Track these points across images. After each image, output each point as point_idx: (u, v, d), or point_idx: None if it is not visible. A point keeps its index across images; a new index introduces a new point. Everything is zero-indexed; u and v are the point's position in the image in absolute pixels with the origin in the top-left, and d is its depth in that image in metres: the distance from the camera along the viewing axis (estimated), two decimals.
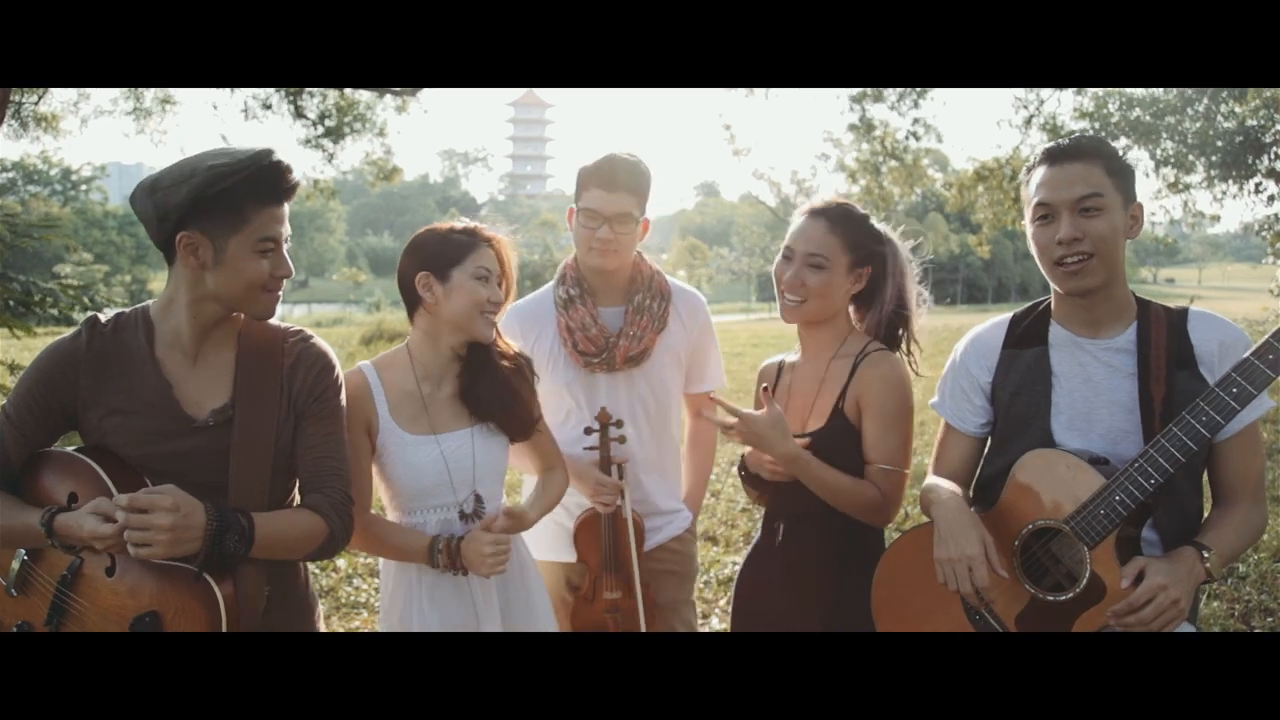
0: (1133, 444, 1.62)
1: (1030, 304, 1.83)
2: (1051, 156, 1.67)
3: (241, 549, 1.48)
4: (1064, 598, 1.60)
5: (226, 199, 1.51)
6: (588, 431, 2.17)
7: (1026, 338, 1.77)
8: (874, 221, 2.00)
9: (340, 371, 1.73)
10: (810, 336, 2.01)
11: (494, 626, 1.91)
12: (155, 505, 1.37)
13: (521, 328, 2.23)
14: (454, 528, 1.89)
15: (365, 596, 4.12)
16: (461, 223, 1.93)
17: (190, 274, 1.56)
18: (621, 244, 2.15)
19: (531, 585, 2.02)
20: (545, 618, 2.03)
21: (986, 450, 1.86)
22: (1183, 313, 1.66)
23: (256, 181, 1.53)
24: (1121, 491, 1.54)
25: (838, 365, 1.95)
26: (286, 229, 1.61)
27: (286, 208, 1.60)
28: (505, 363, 1.96)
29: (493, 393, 1.91)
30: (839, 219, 1.93)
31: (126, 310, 1.67)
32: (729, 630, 2.26)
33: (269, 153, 1.55)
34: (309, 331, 1.73)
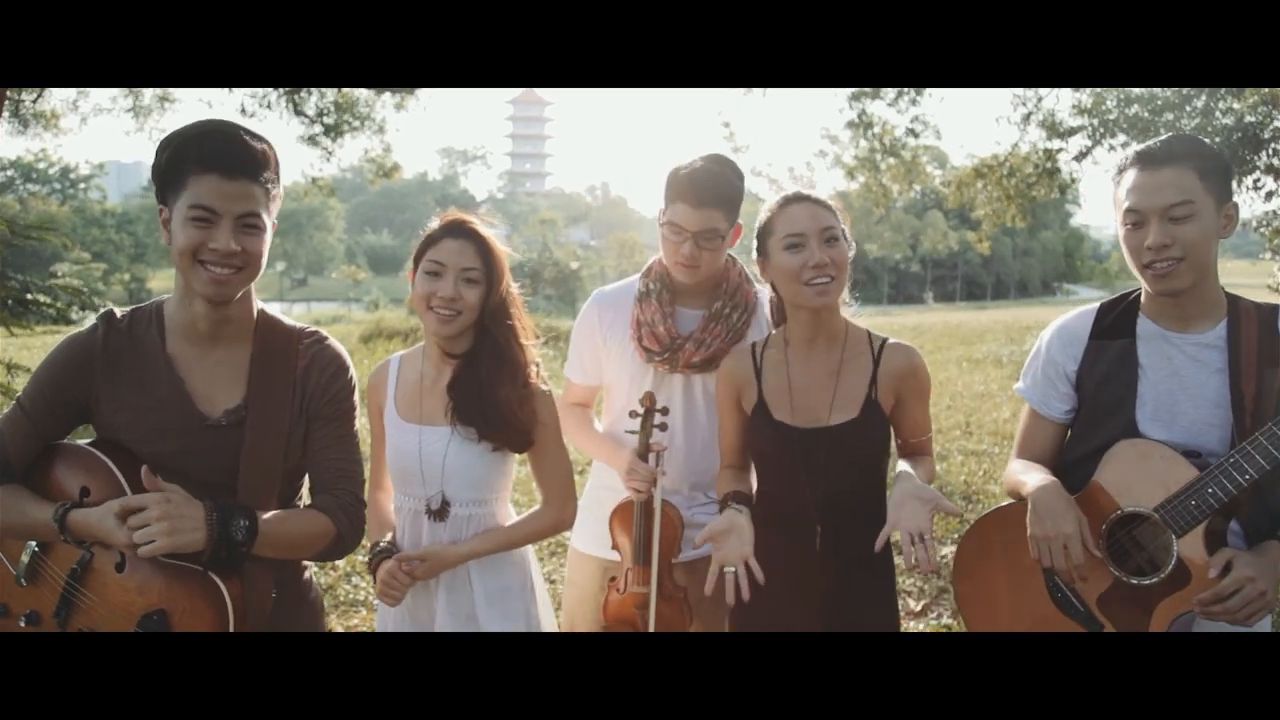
0: (1215, 438, 1.64)
1: (1119, 294, 1.85)
2: (1143, 160, 1.66)
3: (247, 538, 1.48)
4: (1149, 582, 1.63)
5: (172, 167, 1.49)
6: (632, 415, 2.10)
7: (1114, 329, 1.79)
8: None
9: (354, 373, 1.74)
10: (820, 325, 1.89)
11: (440, 623, 1.92)
12: (146, 500, 1.40)
13: (600, 314, 2.23)
14: (421, 521, 1.91)
15: (364, 594, 4.13)
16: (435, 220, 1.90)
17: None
18: (706, 260, 2.05)
19: (491, 589, 1.94)
20: (513, 620, 1.94)
21: (1070, 436, 1.88)
22: (1273, 309, 1.67)
23: (197, 148, 1.48)
24: (1215, 484, 1.56)
25: (854, 355, 1.90)
26: (238, 206, 1.48)
27: (245, 185, 1.48)
28: (512, 366, 1.87)
29: (471, 394, 1.84)
30: (828, 205, 1.87)
31: (143, 305, 1.67)
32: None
33: (218, 121, 1.52)
34: (324, 332, 1.73)
